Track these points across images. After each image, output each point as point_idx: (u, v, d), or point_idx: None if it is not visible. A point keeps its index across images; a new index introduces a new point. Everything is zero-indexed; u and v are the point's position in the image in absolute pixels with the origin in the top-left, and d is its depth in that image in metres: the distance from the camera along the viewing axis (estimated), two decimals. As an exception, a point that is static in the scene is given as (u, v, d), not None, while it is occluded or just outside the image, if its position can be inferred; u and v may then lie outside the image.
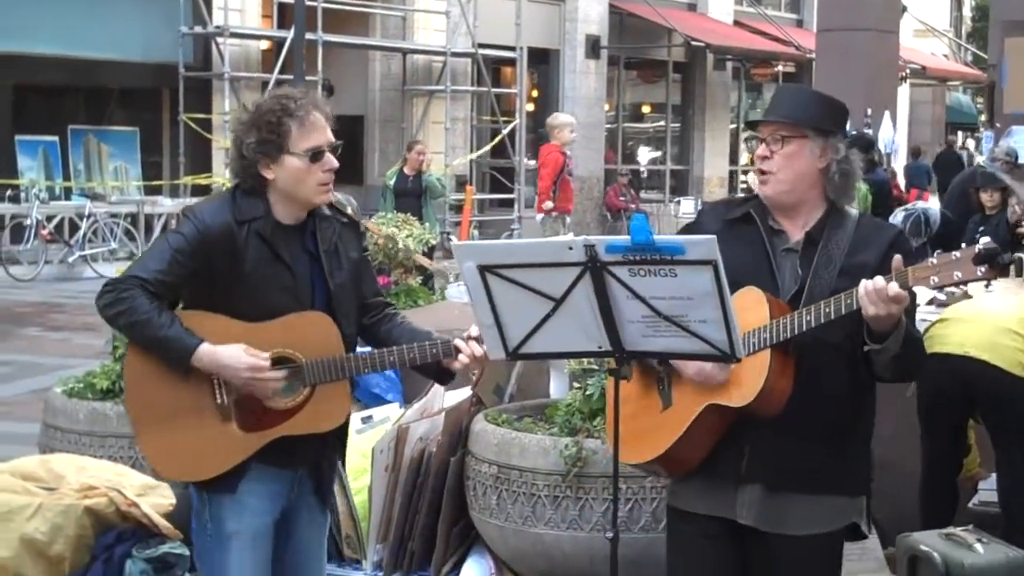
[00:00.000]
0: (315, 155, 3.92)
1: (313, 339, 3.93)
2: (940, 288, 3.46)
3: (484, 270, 3.40)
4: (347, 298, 4.06)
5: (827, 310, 3.48)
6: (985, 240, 3.33)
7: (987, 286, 3.46)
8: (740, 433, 3.62)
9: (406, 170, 15.63)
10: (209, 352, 3.86)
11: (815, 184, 3.76)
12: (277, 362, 3.95)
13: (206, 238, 3.87)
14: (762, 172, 3.77)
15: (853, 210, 3.82)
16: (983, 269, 3.29)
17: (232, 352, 3.86)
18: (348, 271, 4.08)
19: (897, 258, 3.42)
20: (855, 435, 3.78)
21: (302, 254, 4.00)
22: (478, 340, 3.90)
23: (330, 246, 4.04)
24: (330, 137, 3.97)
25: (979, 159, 18.49)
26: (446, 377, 4.15)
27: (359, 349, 4.18)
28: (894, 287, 3.38)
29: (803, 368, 3.59)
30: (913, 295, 3.54)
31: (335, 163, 3.98)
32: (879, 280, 3.40)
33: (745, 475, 3.68)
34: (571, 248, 3.34)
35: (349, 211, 4.15)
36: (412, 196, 15.20)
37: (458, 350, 3.96)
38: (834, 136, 3.75)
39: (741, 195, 4.37)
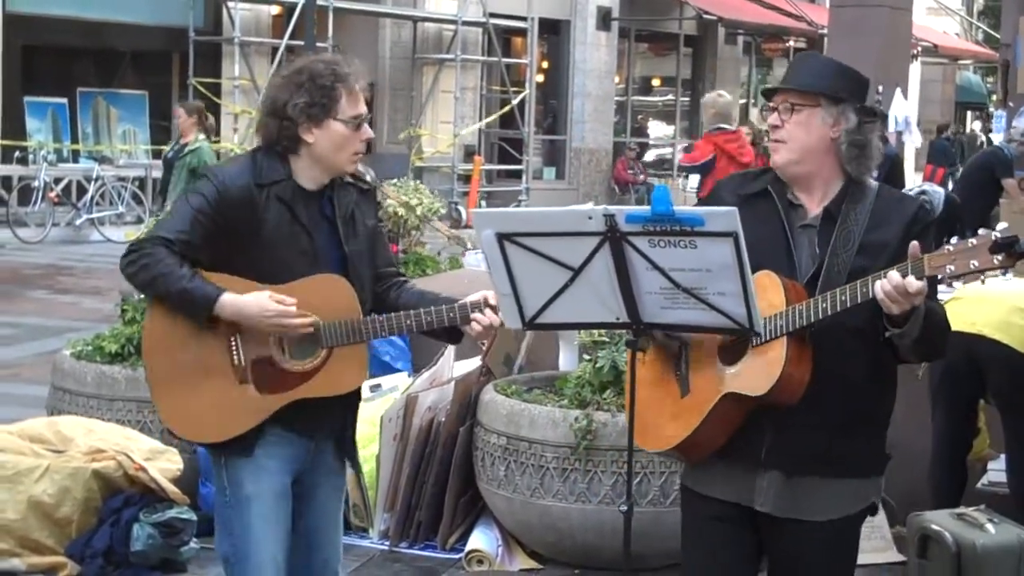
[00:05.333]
0: (358, 123, 3.94)
1: (330, 301, 3.92)
2: (956, 278, 3.30)
3: (503, 238, 3.37)
4: (362, 265, 4.06)
5: (843, 298, 3.39)
6: (1002, 226, 3.23)
7: (1004, 274, 3.31)
8: (760, 419, 3.55)
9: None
10: (232, 302, 3.85)
11: (827, 154, 3.64)
12: None
13: (225, 197, 3.86)
14: (774, 141, 3.68)
15: (873, 181, 3.72)
16: (1000, 257, 3.21)
17: (257, 299, 3.86)
18: (364, 239, 4.08)
19: (913, 245, 3.33)
20: (876, 417, 3.73)
21: (320, 219, 4.00)
22: (493, 308, 3.89)
23: (347, 213, 4.03)
24: (365, 107, 4.00)
25: (996, 140, 18.32)
26: (456, 336, 4.13)
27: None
28: (912, 282, 3.28)
29: (823, 353, 3.50)
30: None
31: (371, 133, 4.02)
32: (895, 277, 3.30)
33: (765, 461, 3.61)
34: (591, 218, 3.31)
35: (368, 178, 4.14)
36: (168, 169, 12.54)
37: (474, 318, 3.94)
38: (847, 104, 3.62)
39: (756, 168, 4.25)
